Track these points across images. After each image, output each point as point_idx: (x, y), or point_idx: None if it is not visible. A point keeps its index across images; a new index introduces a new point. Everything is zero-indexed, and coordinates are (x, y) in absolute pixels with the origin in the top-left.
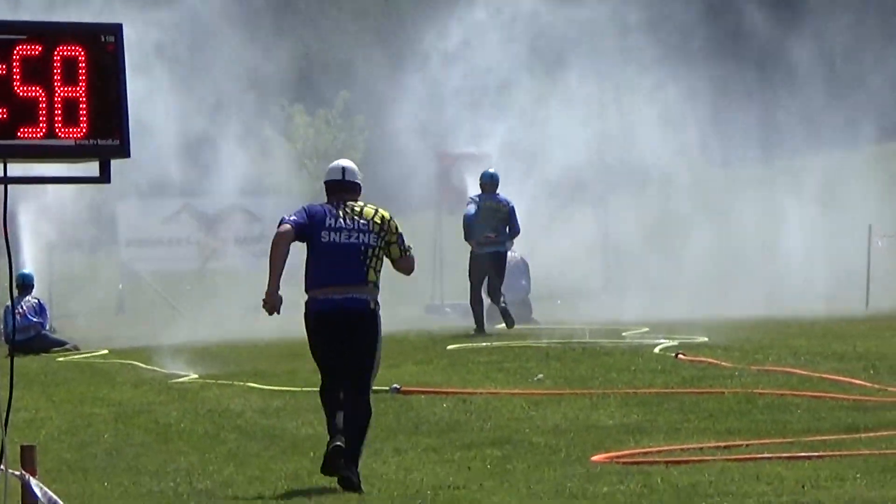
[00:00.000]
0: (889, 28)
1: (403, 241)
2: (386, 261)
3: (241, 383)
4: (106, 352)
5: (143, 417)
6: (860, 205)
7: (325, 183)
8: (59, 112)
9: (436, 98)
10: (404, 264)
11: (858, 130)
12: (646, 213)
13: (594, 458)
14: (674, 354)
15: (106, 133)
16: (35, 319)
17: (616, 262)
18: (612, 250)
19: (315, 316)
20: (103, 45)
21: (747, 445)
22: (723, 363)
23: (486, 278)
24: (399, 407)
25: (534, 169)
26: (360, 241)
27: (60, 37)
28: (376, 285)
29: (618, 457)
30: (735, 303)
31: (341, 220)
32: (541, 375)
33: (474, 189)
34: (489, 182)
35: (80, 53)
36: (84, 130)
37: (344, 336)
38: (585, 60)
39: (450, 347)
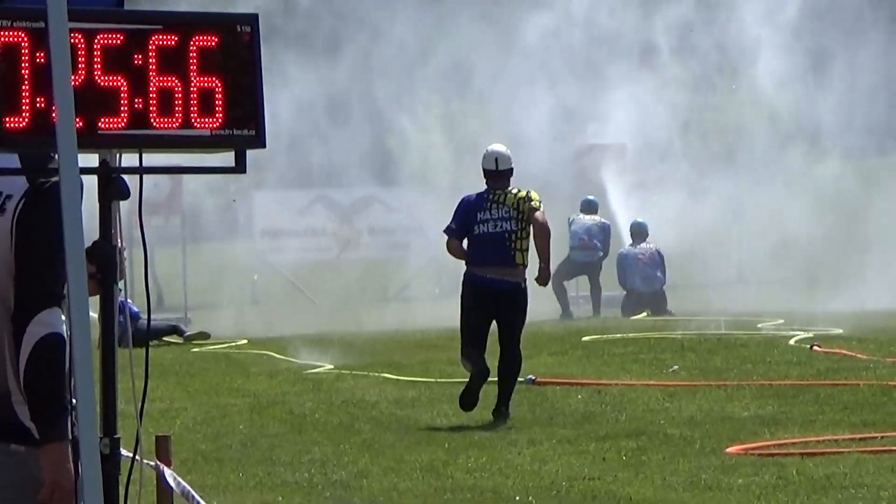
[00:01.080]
0: None
1: (539, 202)
2: None
3: (376, 374)
4: (245, 341)
5: (278, 408)
6: None
7: (483, 169)
8: (195, 102)
9: (571, 87)
10: (536, 221)
11: None
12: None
13: (729, 449)
14: (809, 346)
15: (241, 123)
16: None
17: (751, 253)
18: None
19: (472, 288)
20: (239, 35)
21: (882, 437)
22: (858, 355)
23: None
24: (534, 398)
25: (670, 158)
26: (503, 228)
27: (196, 27)
28: (524, 266)
29: (753, 448)
30: (872, 294)
31: (488, 213)
32: (676, 367)
33: (610, 180)
34: (587, 206)
35: (215, 43)
36: (220, 121)
37: (496, 309)
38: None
39: (585, 339)
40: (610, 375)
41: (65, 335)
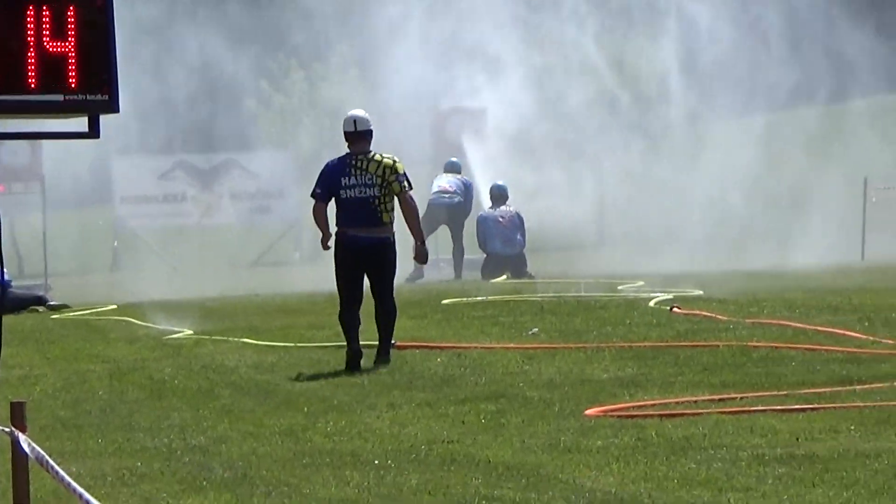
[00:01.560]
0: None
1: (404, 179)
2: None
3: (236, 339)
4: (115, 307)
5: (138, 374)
6: (854, 157)
7: (344, 132)
8: (48, 67)
9: (431, 52)
10: (403, 199)
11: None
12: (641, 164)
13: (588, 411)
14: (669, 308)
15: (95, 88)
16: None
17: (612, 216)
18: (609, 203)
19: (344, 249)
20: (92, 1)
21: (741, 398)
22: (718, 316)
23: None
24: (394, 362)
25: (529, 122)
26: (368, 194)
27: None
28: (391, 223)
29: (612, 410)
30: (729, 256)
31: (353, 178)
32: (535, 329)
33: (469, 144)
34: (450, 167)
35: (69, 8)
36: (73, 86)
37: (367, 263)
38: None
39: (444, 302)
40: (469, 338)
41: None
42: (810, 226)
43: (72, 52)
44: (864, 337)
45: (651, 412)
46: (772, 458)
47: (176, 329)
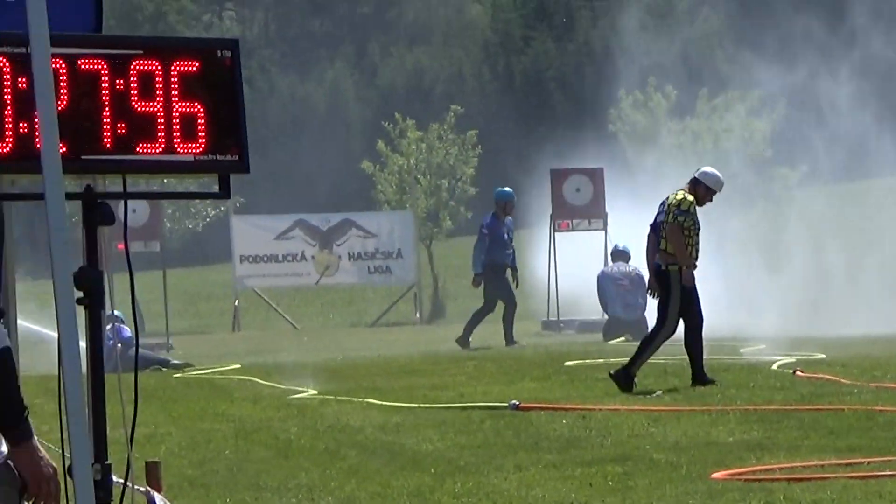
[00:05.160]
0: None
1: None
2: None
3: (360, 399)
4: (238, 366)
5: (263, 433)
6: None
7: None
8: (178, 127)
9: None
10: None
11: None
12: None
13: (715, 474)
14: (792, 371)
15: (224, 148)
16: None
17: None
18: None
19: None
20: (220, 60)
21: (868, 463)
22: (841, 380)
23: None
24: (518, 423)
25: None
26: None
27: (177, 52)
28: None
29: (739, 474)
30: (854, 320)
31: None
32: (660, 392)
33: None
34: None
35: (196, 68)
36: (202, 146)
37: None
38: None
39: (567, 364)
40: (594, 400)
41: (8, 344)
42: None
43: (201, 111)
44: None
45: (778, 476)
46: None
47: (300, 388)
